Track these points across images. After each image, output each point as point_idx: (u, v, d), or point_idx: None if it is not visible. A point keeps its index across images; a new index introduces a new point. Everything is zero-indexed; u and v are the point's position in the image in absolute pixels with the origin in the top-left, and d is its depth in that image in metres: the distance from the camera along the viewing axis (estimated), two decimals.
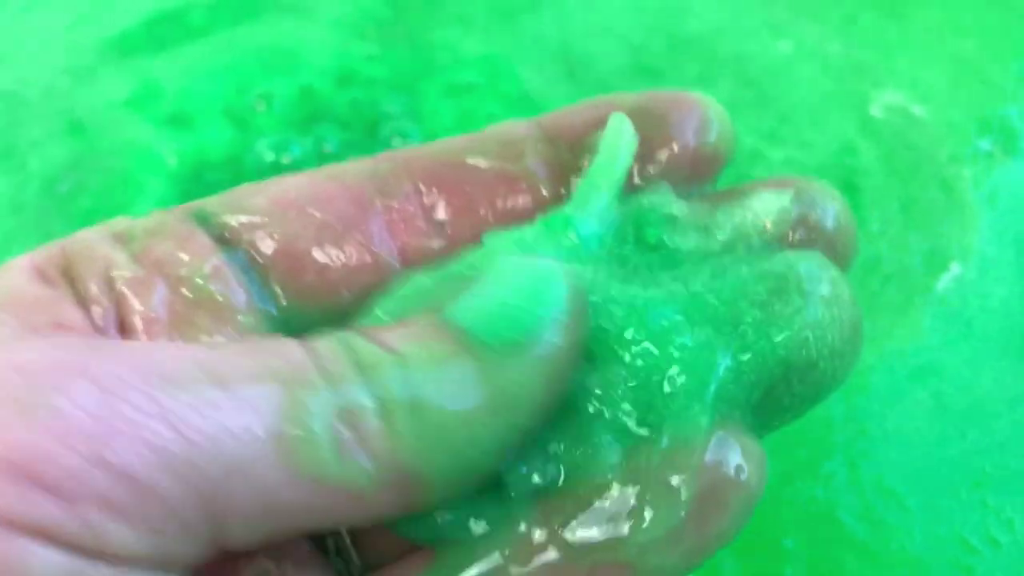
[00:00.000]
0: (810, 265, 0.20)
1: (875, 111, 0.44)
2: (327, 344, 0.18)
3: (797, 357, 0.20)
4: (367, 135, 0.44)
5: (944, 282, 0.40)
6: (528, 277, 0.19)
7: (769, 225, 0.21)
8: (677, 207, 0.22)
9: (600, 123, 0.22)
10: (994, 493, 0.35)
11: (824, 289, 0.20)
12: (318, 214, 0.21)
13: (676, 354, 0.19)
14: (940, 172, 0.42)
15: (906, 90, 0.45)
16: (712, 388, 0.19)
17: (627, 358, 0.19)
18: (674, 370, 0.19)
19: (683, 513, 0.18)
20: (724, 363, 0.19)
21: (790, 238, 0.21)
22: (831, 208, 0.22)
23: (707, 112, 0.22)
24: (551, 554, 0.19)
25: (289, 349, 0.17)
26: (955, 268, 0.40)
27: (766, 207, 0.21)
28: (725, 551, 0.34)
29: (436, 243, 0.22)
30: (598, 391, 0.19)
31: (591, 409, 0.19)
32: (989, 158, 0.43)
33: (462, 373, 0.17)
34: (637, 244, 0.21)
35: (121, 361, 0.16)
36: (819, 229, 0.22)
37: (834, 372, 0.20)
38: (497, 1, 0.49)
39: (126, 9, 0.48)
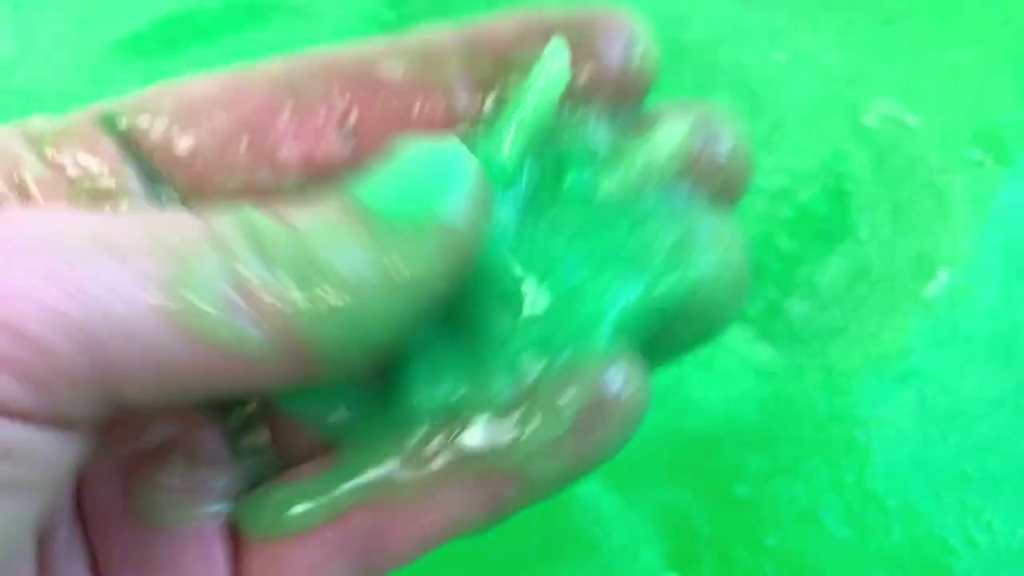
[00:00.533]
0: (711, 224, 0.21)
1: (868, 119, 0.45)
2: (224, 218, 0.18)
3: (687, 306, 0.21)
4: None
5: (932, 288, 0.40)
6: (433, 157, 0.19)
7: (671, 158, 0.22)
8: (597, 143, 0.22)
9: (526, 38, 0.22)
10: (975, 495, 0.36)
11: (719, 251, 0.21)
12: (224, 118, 0.21)
13: (577, 288, 0.21)
14: (931, 180, 0.43)
15: (900, 99, 0.45)
16: (608, 322, 0.20)
17: (530, 287, 0.21)
18: (575, 302, 0.21)
19: (566, 427, 0.20)
20: (621, 301, 0.20)
21: (692, 168, 0.22)
22: (728, 138, 0.22)
23: (632, 30, 0.21)
24: (441, 460, 0.20)
25: (184, 221, 0.18)
26: (943, 274, 0.41)
27: (669, 139, 0.22)
28: (705, 549, 0.35)
29: (344, 151, 0.22)
30: (499, 317, 0.21)
31: (491, 333, 0.21)
32: (980, 167, 0.43)
33: (360, 248, 0.18)
34: (554, 180, 0.22)
35: (17, 226, 0.17)
36: (715, 160, 0.22)
37: (718, 322, 0.22)
38: (500, 6, 0.50)
39: (138, 11, 0.49)
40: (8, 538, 0.17)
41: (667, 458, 0.36)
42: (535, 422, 0.20)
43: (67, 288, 0.16)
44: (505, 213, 0.21)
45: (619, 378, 0.20)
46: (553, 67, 0.21)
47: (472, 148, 0.20)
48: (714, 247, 0.21)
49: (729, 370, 0.38)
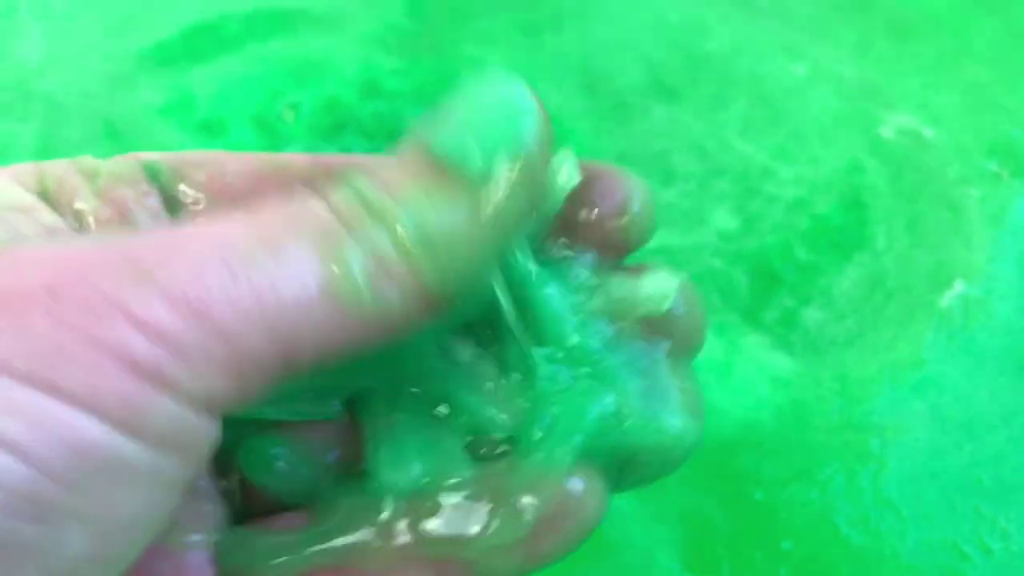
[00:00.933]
0: (684, 385, 0.23)
1: (885, 132, 0.45)
2: (342, 197, 0.20)
3: (648, 452, 0.23)
4: (390, 145, 0.45)
5: (948, 299, 0.41)
6: (500, 100, 0.21)
7: (645, 303, 0.23)
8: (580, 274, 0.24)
9: None
10: (988, 503, 0.36)
11: (683, 429, 0.23)
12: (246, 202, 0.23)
13: (553, 394, 0.22)
14: (947, 192, 0.43)
15: (917, 113, 0.46)
16: (579, 438, 0.22)
17: (504, 386, 0.23)
18: (550, 409, 0.22)
19: (524, 532, 0.21)
20: (594, 419, 0.22)
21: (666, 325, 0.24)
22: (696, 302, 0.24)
23: (630, 188, 0.24)
24: (405, 538, 0.22)
25: (313, 207, 0.20)
26: (959, 285, 0.41)
27: (653, 285, 0.23)
28: (723, 551, 0.35)
29: None
30: (472, 408, 0.23)
31: (459, 423, 0.23)
32: (996, 180, 0.44)
33: (453, 201, 0.20)
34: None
35: (195, 241, 0.18)
36: (694, 319, 0.24)
37: (668, 470, 0.23)
38: (522, 19, 0.51)
39: (164, 21, 0.50)
40: (150, 529, 0.18)
41: (686, 463, 0.37)
42: (496, 521, 0.21)
43: (252, 287, 0.18)
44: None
45: (582, 491, 0.21)
46: (564, 170, 0.23)
47: None
48: (683, 409, 0.23)
49: (746, 378, 0.39)
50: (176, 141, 0.46)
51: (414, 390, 0.23)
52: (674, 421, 0.22)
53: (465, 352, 0.23)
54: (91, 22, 0.50)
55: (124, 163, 0.24)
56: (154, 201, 0.23)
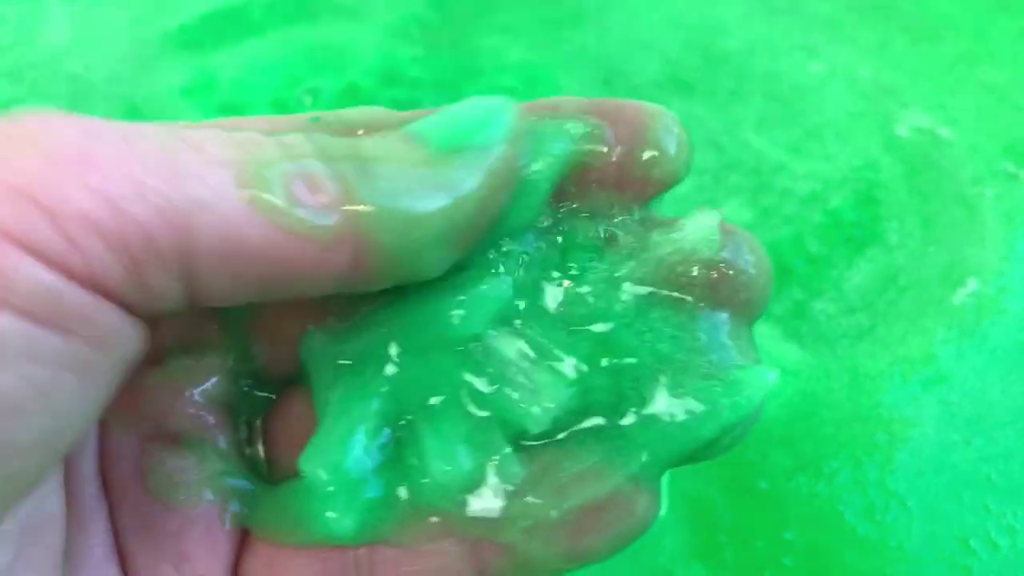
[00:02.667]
0: (746, 362, 0.22)
1: (901, 131, 0.45)
2: (290, 134, 0.19)
3: (691, 442, 0.21)
4: None
5: (960, 296, 0.41)
6: (480, 104, 0.21)
7: (696, 250, 0.22)
8: (611, 227, 0.22)
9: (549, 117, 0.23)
10: (996, 499, 0.36)
11: (748, 395, 0.21)
12: None
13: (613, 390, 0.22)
14: (962, 191, 0.43)
15: (933, 112, 0.46)
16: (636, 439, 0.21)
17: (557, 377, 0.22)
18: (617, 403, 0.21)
19: (562, 513, 0.21)
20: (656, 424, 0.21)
21: (718, 281, 0.22)
22: (753, 248, 0.22)
23: (657, 124, 0.22)
24: (441, 515, 0.22)
25: (252, 133, 0.19)
26: (972, 283, 0.41)
27: (697, 228, 0.22)
28: (728, 540, 0.35)
29: None
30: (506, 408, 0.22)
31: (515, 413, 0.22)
32: (1012, 180, 0.44)
33: (413, 163, 0.19)
34: (562, 264, 0.23)
35: (100, 121, 0.18)
36: (741, 270, 0.22)
37: (723, 452, 0.22)
38: (543, 13, 0.51)
39: (189, 4, 0.51)
40: (62, 423, 0.18)
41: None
42: (533, 499, 0.21)
43: (162, 173, 0.17)
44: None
45: (631, 487, 0.21)
46: (560, 140, 0.22)
47: None
48: (745, 390, 0.21)
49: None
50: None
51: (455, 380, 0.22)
52: (737, 416, 0.21)
53: (509, 347, 0.22)
54: (117, 4, 0.51)
55: None
56: None
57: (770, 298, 0.22)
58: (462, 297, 0.22)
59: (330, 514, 0.22)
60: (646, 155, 0.22)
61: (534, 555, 0.21)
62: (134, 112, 0.46)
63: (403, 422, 0.22)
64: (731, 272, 0.22)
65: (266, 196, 0.18)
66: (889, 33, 0.49)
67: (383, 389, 0.22)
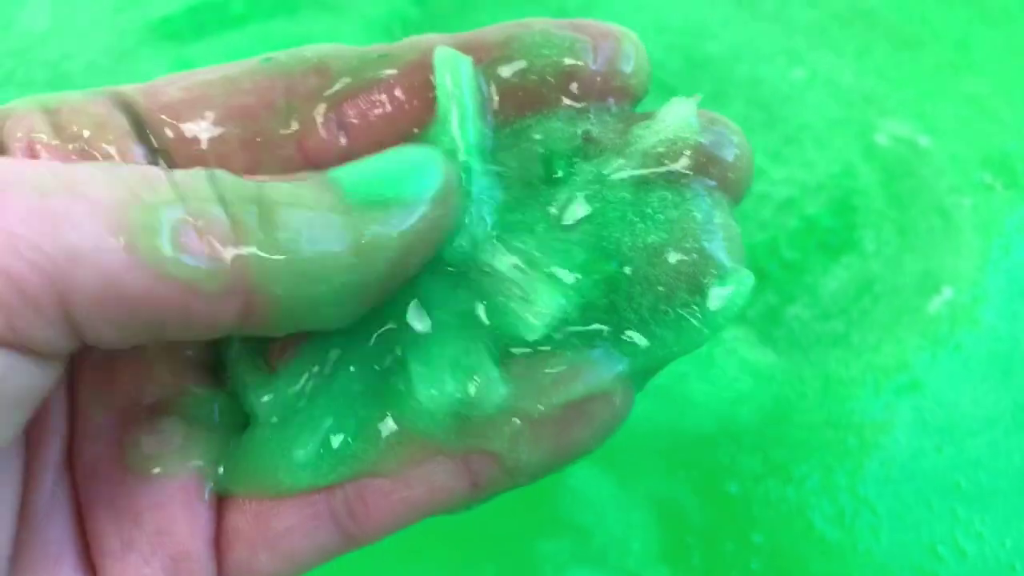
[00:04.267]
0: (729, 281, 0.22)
1: (880, 139, 0.45)
2: (190, 172, 0.19)
3: (675, 349, 0.22)
4: None
5: (935, 305, 0.41)
6: (408, 156, 0.20)
7: (679, 136, 0.22)
8: (589, 125, 0.23)
9: (511, 44, 0.23)
10: (965, 506, 0.36)
11: (726, 311, 0.21)
12: (223, 107, 0.22)
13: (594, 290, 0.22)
14: (939, 200, 0.43)
15: (913, 121, 0.46)
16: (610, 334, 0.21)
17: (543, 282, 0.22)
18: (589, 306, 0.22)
19: (547, 414, 0.21)
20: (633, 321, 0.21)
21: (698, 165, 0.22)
22: (733, 136, 0.22)
23: (622, 42, 0.22)
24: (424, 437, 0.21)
25: (150, 170, 0.18)
26: (947, 292, 0.41)
27: (675, 116, 0.22)
28: (695, 541, 0.35)
29: (336, 144, 0.22)
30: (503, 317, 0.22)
31: (493, 332, 0.22)
32: (989, 190, 0.44)
33: (322, 211, 0.19)
34: (544, 171, 0.23)
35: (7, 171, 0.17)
36: (722, 156, 0.22)
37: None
38: (526, 13, 0.51)
39: None
40: None
41: (664, 453, 0.37)
42: (521, 398, 0.21)
43: (35, 224, 0.17)
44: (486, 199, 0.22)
45: (611, 379, 0.21)
46: (449, 73, 0.22)
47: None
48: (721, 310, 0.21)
49: (728, 371, 0.39)
50: None
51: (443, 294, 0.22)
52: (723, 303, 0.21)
53: (503, 261, 0.22)
54: None
55: (92, 95, 0.22)
56: (120, 128, 0.22)
57: (749, 184, 0.23)
58: None
59: (298, 451, 0.22)
60: (624, 66, 0.22)
61: (524, 456, 0.21)
62: None
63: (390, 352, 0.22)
64: (718, 153, 0.22)
65: (148, 242, 0.17)
66: (871, 41, 0.49)
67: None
